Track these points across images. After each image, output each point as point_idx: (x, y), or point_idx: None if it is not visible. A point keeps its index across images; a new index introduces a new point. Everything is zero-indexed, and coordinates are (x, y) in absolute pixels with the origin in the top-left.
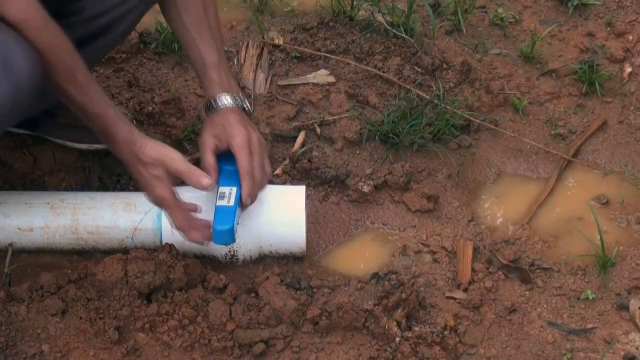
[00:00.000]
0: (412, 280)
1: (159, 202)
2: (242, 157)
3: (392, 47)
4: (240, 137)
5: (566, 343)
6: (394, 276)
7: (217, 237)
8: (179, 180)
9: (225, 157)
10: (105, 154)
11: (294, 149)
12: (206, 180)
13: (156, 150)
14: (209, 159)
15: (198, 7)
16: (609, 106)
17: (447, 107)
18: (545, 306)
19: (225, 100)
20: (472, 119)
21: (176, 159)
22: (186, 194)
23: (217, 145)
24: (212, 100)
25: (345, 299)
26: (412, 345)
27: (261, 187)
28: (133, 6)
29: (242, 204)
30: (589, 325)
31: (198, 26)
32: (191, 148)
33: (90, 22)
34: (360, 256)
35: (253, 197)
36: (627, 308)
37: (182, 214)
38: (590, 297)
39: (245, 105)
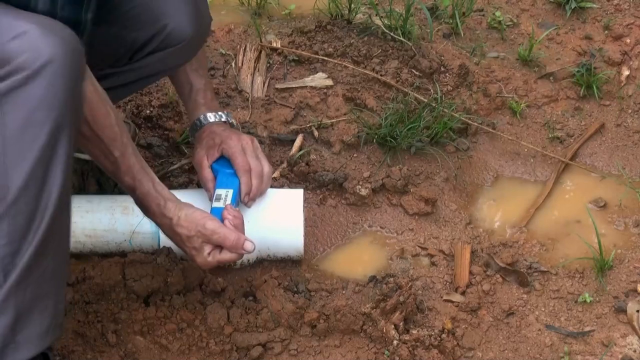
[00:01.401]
0: (409, 284)
1: (203, 267)
2: (236, 156)
3: (390, 51)
4: (231, 141)
5: (564, 346)
6: (391, 279)
7: None
8: None
9: (222, 159)
10: None
11: (291, 152)
12: (250, 244)
13: (188, 220)
14: (207, 175)
15: None
16: (606, 109)
17: (445, 110)
18: (543, 309)
19: (210, 117)
20: (469, 122)
21: (213, 229)
22: (181, 195)
23: (210, 158)
24: (198, 120)
25: (343, 302)
26: (410, 349)
27: (262, 185)
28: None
29: (238, 205)
30: (587, 328)
31: None
32: (189, 151)
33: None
34: (358, 259)
35: (252, 196)
36: (624, 311)
37: (230, 255)
38: (588, 300)
39: (230, 120)
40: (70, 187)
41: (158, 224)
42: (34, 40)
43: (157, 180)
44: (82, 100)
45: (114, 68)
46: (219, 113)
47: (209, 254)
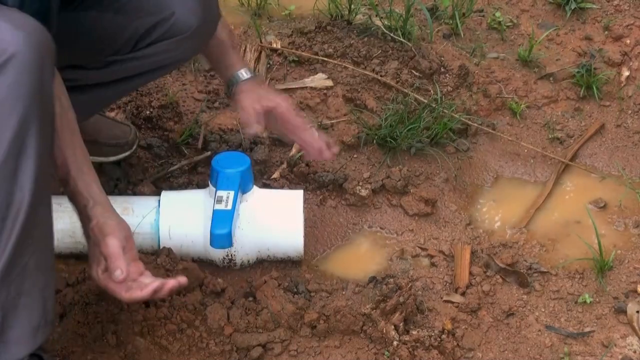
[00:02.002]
0: (409, 284)
1: (94, 281)
2: (292, 116)
3: (390, 51)
4: (285, 105)
5: (564, 346)
6: (391, 280)
7: (214, 241)
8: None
9: (223, 159)
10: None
11: (291, 153)
12: (119, 272)
13: (98, 229)
14: (252, 111)
15: None
16: (606, 110)
17: (445, 111)
18: (543, 310)
19: (248, 71)
20: (469, 122)
21: (110, 244)
22: (182, 195)
23: (262, 105)
24: (240, 73)
25: (342, 302)
26: (410, 349)
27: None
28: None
29: (240, 205)
30: (587, 329)
31: None
32: (189, 152)
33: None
34: (357, 260)
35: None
36: (624, 312)
37: (122, 290)
38: (588, 301)
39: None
40: (48, 182)
41: (81, 222)
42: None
43: (95, 181)
44: (51, 94)
45: (117, 56)
46: (248, 69)
47: (98, 270)
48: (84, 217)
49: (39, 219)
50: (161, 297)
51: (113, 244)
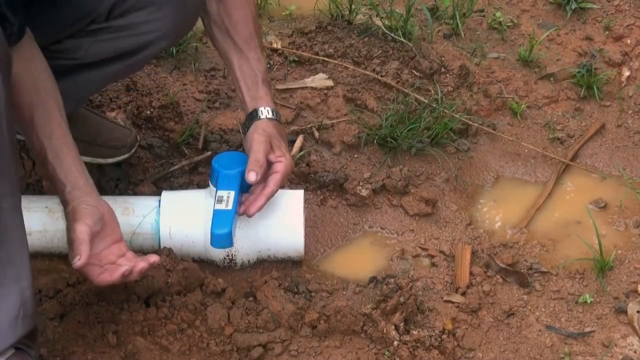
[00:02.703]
0: (410, 284)
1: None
2: (276, 182)
3: (390, 51)
4: (286, 165)
5: (564, 347)
6: (392, 280)
7: (215, 241)
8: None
9: (224, 159)
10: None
11: (292, 153)
12: (77, 259)
13: (72, 216)
14: (263, 159)
15: (248, 22)
16: (607, 110)
17: (445, 111)
18: (544, 310)
19: (270, 111)
20: (470, 122)
21: (78, 231)
22: (182, 196)
23: (269, 151)
24: (266, 110)
25: (343, 302)
26: (411, 349)
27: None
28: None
29: (239, 206)
30: (587, 329)
31: (247, 42)
32: (189, 152)
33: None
34: (358, 260)
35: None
36: (625, 312)
37: (95, 272)
38: (589, 301)
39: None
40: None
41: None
42: None
43: (75, 165)
44: (7, 94)
45: (93, 25)
46: (275, 111)
47: (70, 255)
48: (63, 202)
49: (5, 214)
50: (133, 279)
51: (80, 230)
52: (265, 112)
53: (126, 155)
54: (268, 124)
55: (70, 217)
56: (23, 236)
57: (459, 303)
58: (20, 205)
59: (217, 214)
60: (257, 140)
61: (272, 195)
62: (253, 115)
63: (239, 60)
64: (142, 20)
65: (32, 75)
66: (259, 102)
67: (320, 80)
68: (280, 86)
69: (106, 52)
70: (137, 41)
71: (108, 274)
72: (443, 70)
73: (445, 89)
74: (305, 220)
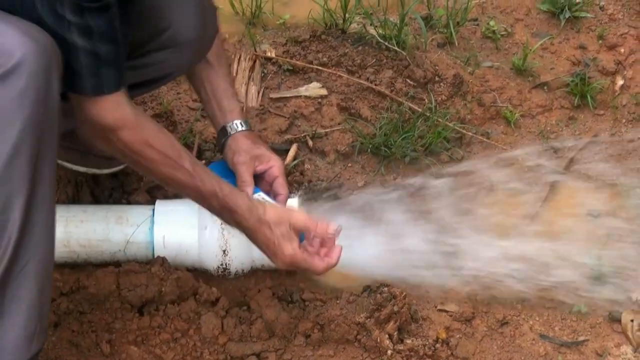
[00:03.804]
0: (403, 293)
1: (289, 261)
2: (283, 185)
3: (384, 60)
4: (278, 165)
5: (558, 355)
6: (385, 289)
7: None
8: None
9: (218, 168)
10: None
11: (286, 162)
12: (334, 225)
13: (277, 210)
14: (248, 178)
15: (217, 40)
16: (600, 119)
17: (439, 119)
18: (537, 319)
19: (243, 123)
20: (464, 131)
21: (298, 215)
22: (176, 205)
23: (256, 167)
24: (235, 123)
25: (337, 311)
26: (404, 358)
27: None
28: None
29: None
30: (581, 338)
31: (217, 58)
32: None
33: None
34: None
35: None
36: (619, 320)
37: (319, 261)
38: (583, 310)
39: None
40: (49, 190)
41: (241, 221)
42: (8, 40)
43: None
44: (56, 106)
45: None
46: (244, 121)
47: (297, 245)
48: (249, 210)
49: (36, 229)
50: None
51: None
52: (238, 125)
53: (122, 166)
54: (243, 138)
55: (275, 207)
56: (52, 252)
57: (452, 312)
58: (54, 217)
59: None
60: (239, 162)
61: (287, 198)
62: (226, 130)
63: (208, 75)
64: (161, 60)
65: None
66: (231, 116)
67: (314, 89)
68: (274, 95)
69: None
70: (152, 75)
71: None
72: (437, 79)
73: (439, 98)
74: None
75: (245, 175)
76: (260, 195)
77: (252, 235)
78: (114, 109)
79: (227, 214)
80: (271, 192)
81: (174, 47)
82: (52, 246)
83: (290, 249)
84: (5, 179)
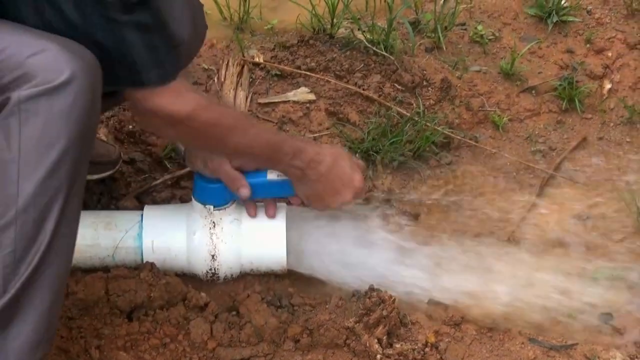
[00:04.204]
0: (393, 297)
1: (359, 186)
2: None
3: (372, 65)
4: None
5: (547, 359)
6: (374, 293)
7: None
8: None
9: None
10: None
11: None
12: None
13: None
14: (233, 172)
15: None
16: (588, 122)
17: (428, 124)
18: (527, 322)
19: None
20: (452, 135)
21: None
22: (165, 210)
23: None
24: None
25: (326, 316)
26: None
27: None
28: None
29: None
30: (570, 342)
31: None
32: (172, 166)
33: None
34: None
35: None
36: (609, 324)
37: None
38: (573, 314)
39: None
40: (79, 204)
41: (316, 158)
42: (55, 57)
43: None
44: (98, 120)
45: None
46: None
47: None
48: (309, 145)
49: (62, 241)
50: None
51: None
52: None
53: (110, 172)
54: None
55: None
56: (70, 263)
57: (441, 316)
58: (76, 233)
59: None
60: (214, 168)
61: None
62: None
63: None
64: None
65: None
66: None
67: (302, 94)
68: (262, 100)
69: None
70: None
71: None
72: (425, 83)
73: (427, 102)
74: (288, 233)
75: (231, 172)
76: (274, 174)
77: (327, 171)
78: (183, 94)
79: (299, 157)
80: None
81: None
82: (71, 259)
83: (359, 175)
84: (46, 190)
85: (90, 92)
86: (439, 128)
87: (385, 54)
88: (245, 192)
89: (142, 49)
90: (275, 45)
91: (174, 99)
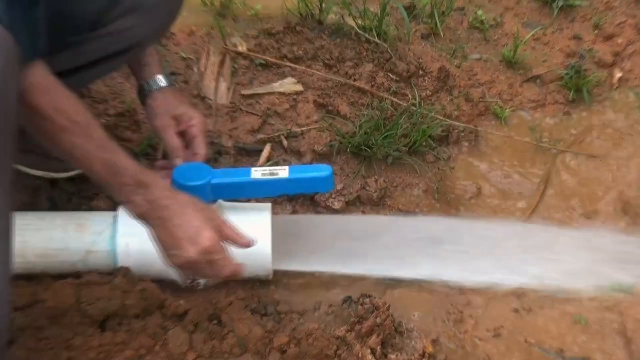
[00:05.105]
0: (387, 304)
1: (207, 245)
2: (201, 145)
3: (364, 53)
4: (198, 124)
5: None
6: (367, 300)
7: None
8: None
9: (185, 172)
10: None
11: (259, 164)
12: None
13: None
14: (177, 141)
15: None
16: (597, 114)
17: (424, 116)
18: (534, 330)
19: (164, 79)
20: (452, 127)
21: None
22: None
23: (178, 127)
24: (152, 81)
25: (315, 325)
26: None
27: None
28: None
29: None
30: (577, 349)
31: None
32: (148, 163)
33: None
34: (331, 278)
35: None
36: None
37: (230, 261)
38: (582, 322)
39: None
40: (4, 197)
41: (162, 200)
42: None
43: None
44: (13, 103)
45: (79, 36)
46: (168, 76)
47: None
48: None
49: None
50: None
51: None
52: (157, 81)
53: (80, 171)
54: (162, 97)
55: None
56: (8, 262)
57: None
58: (10, 229)
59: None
60: (162, 127)
61: (206, 157)
62: (144, 88)
63: None
64: (128, 26)
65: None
66: (150, 71)
67: (289, 85)
68: (246, 92)
69: (89, 58)
70: (123, 45)
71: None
72: (421, 73)
73: (424, 93)
74: (274, 235)
75: (173, 140)
76: (259, 172)
77: (170, 216)
78: (29, 74)
79: (142, 192)
80: (190, 152)
81: (139, 11)
82: (10, 256)
83: (212, 234)
84: None
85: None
86: (436, 121)
87: (379, 41)
88: (179, 162)
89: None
90: (259, 33)
91: (27, 71)
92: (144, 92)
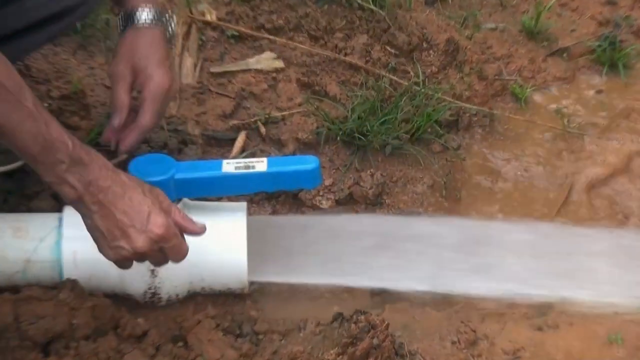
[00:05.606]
0: (385, 322)
1: (160, 233)
2: (149, 112)
3: (357, 22)
4: (153, 88)
5: None
6: (362, 317)
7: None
8: None
9: (143, 164)
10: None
11: (232, 155)
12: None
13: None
14: (124, 97)
15: None
16: (635, 92)
17: (429, 98)
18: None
19: (149, 14)
20: (462, 109)
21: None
22: None
23: (131, 84)
24: (132, 13)
25: (300, 347)
26: None
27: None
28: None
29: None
30: None
31: None
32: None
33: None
34: (318, 291)
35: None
36: None
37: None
38: (619, 341)
39: (170, 28)
40: None
41: (101, 181)
42: None
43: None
44: None
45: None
46: (158, 11)
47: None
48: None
49: None
50: None
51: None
52: (140, 15)
53: (21, 163)
54: (135, 36)
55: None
56: None
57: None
58: None
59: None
60: (114, 75)
61: (146, 128)
62: (122, 20)
63: None
64: None
65: None
66: (135, 1)
67: (267, 60)
68: (215, 69)
69: (15, 24)
70: (65, 4)
71: None
72: (425, 45)
73: (429, 70)
74: (249, 240)
75: (119, 95)
76: (231, 165)
77: (112, 200)
78: None
79: (78, 171)
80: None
81: None
82: None
83: (164, 218)
84: None
85: None
86: (443, 103)
87: (374, 7)
88: (116, 122)
89: None
90: None
91: None
92: (121, 25)
